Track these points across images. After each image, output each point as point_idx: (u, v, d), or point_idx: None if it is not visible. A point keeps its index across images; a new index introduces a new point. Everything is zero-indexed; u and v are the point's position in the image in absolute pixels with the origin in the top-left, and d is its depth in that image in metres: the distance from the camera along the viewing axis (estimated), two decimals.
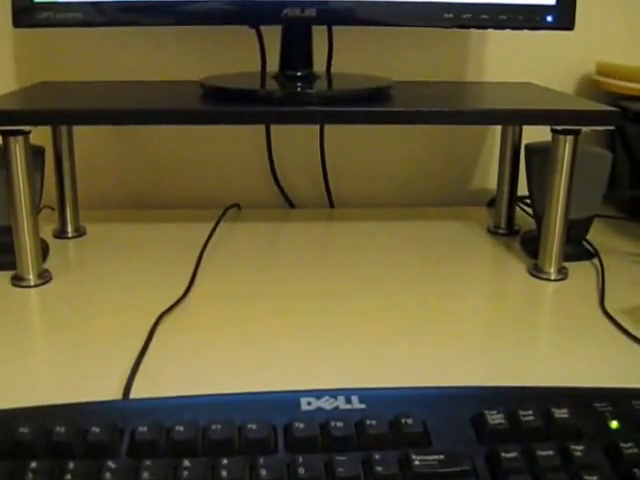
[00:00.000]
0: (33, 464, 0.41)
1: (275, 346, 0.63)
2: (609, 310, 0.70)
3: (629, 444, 0.44)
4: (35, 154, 0.78)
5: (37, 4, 0.76)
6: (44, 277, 0.76)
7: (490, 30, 0.84)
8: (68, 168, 0.90)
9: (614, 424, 0.46)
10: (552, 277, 0.78)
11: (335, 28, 0.97)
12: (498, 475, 0.42)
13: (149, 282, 0.76)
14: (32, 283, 0.75)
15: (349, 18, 0.81)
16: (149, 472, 0.40)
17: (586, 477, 0.41)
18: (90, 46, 0.98)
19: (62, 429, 0.43)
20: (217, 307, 0.71)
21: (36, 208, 0.77)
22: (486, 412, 0.46)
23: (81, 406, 0.47)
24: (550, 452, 0.43)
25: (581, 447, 0.43)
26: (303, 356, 0.62)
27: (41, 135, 0.86)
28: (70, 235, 0.90)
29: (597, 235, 0.88)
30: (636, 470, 0.42)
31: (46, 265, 0.79)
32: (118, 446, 0.43)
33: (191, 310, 0.70)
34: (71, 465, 0.41)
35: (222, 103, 0.76)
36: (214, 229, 0.91)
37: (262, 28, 0.95)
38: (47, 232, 0.90)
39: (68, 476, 0.40)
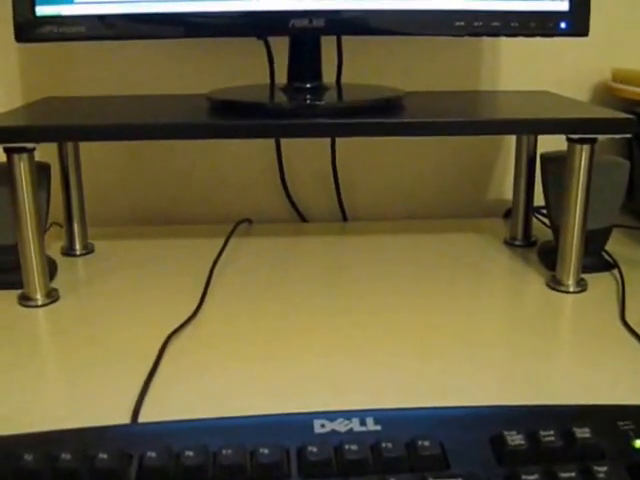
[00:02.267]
0: None
1: (287, 365, 0.62)
2: (630, 323, 0.70)
3: None
4: (40, 171, 0.77)
5: (40, 18, 0.76)
6: (52, 296, 0.76)
7: (503, 38, 0.84)
8: (75, 184, 0.90)
9: (638, 443, 0.45)
10: (571, 289, 0.77)
11: (344, 38, 0.96)
12: None
13: (159, 300, 0.76)
14: (39, 303, 0.75)
15: (358, 28, 0.80)
16: None
17: None
18: (95, 60, 0.99)
19: (68, 456, 0.42)
20: (228, 326, 0.70)
21: (42, 226, 0.77)
22: (505, 433, 0.45)
23: (88, 431, 0.46)
24: (572, 474, 0.42)
25: (604, 468, 0.42)
26: (316, 375, 0.61)
27: (47, 150, 0.87)
28: (78, 252, 0.90)
29: (616, 245, 0.87)
30: None
31: (54, 284, 0.79)
32: (127, 473, 0.42)
33: (201, 329, 0.70)
34: None
35: (230, 117, 0.75)
36: (224, 245, 0.90)
37: (270, 39, 0.95)
38: (55, 249, 0.90)
39: None
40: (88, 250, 0.91)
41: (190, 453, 0.43)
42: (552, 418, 0.47)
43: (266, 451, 0.43)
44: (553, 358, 0.64)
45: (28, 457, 0.42)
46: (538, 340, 0.67)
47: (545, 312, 0.73)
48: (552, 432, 0.45)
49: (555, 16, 0.80)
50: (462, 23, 0.79)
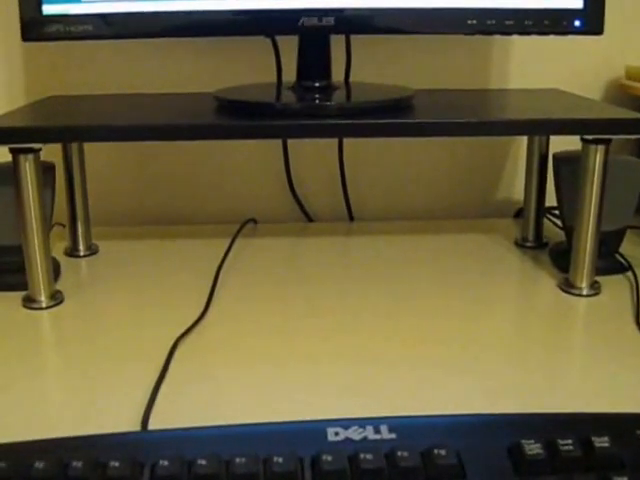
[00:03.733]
0: None
1: (298, 370, 0.62)
2: None
3: None
4: (45, 171, 0.77)
5: (46, 17, 0.76)
6: (56, 298, 0.76)
7: (514, 35, 0.83)
8: (79, 184, 0.90)
9: None
10: (584, 292, 0.77)
11: (354, 37, 0.96)
12: None
13: (164, 302, 0.76)
14: (44, 305, 0.75)
15: (368, 27, 0.80)
16: None
17: None
18: (100, 58, 0.98)
19: (79, 464, 0.42)
20: (236, 329, 0.70)
21: (47, 227, 0.77)
22: (523, 442, 0.45)
23: (99, 438, 0.46)
24: None
25: (624, 478, 0.42)
26: (327, 380, 0.61)
27: (51, 150, 0.86)
28: (82, 253, 0.90)
29: (630, 247, 0.87)
30: None
31: (58, 285, 0.79)
32: None
33: (209, 332, 0.69)
34: None
35: (237, 117, 0.75)
36: (230, 246, 0.90)
37: (278, 37, 0.95)
38: (59, 250, 0.90)
39: None
40: (92, 251, 0.91)
41: (203, 462, 0.42)
42: (570, 427, 0.47)
43: (280, 460, 0.43)
44: (567, 363, 0.64)
45: (39, 465, 0.42)
46: (551, 344, 0.67)
47: (558, 316, 0.73)
48: (570, 441, 0.44)
49: (569, 14, 0.79)
50: (474, 21, 0.79)
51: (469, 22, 0.79)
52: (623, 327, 0.70)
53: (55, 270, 0.81)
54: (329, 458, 0.43)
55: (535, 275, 0.83)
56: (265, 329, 0.70)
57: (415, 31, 0.81)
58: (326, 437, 0.46)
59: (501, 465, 0.44)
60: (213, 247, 0.90)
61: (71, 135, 0.75)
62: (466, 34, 0.81)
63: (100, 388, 0.60)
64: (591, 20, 0.80)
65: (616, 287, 0.79)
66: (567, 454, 0.44)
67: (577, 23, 0.80)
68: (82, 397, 0.58)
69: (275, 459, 0.43)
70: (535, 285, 0.81)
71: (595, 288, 0.78)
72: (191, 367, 0.63)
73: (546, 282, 0.81)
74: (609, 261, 0.83)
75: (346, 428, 0.46)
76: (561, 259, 0.83)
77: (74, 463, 0.42)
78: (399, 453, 0.43)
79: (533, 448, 0.44)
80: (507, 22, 0.79)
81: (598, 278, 0.79)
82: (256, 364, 0.63)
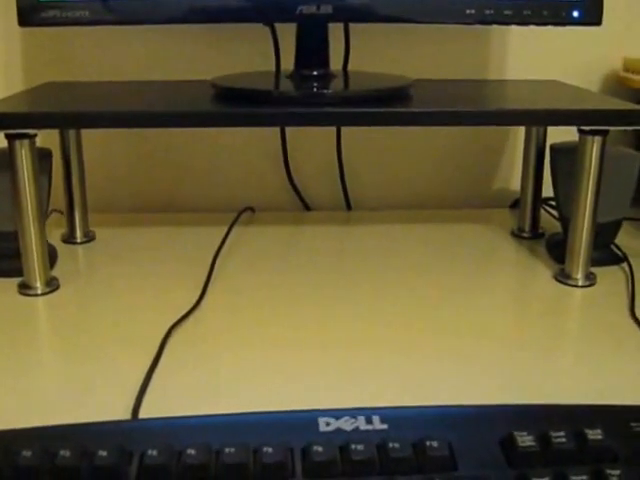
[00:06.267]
0: None
1: (291, 360, 0.62)
2: None
3: None
4: (42, 157, 0.77)
5: (43, 2, 0.75)
6: (52, 285, 0.75)
7: (512, 26, 0.84)
8: (77, 171, 0.89)
9: None
10: (580, 283, 0.77)
11: (352, 25, 0.95)
12: None
13: (161, 290, 0.75)
14: (39, 292, 0.74)
15: (367, 15, 0.79)
16: None
17: None
18: (98, 44, 0.98)
19: (67, 452, 0.41)
20: (230, 317, 0.69)
21: (43, 213, 0.76)
22: (516, 433, 0.44)
23: (87, 427, 0.45)
24: (584, 477, 0.41)
25: (617, 471, 0.41)
26: (321, 370, 0.60)
27: (48, 137, 0.86)
28: (79, 240, 0.89)
29: (626, 239, 0.86)
30: None
31: (54, 272, 0.78)
32: (127, 471, 0.41)
33: (203, 321, 0.69)
34: None
35: (235, 104, 0.74)
36: (227, 234, 0.90)
37: (277, 25, 0.94)
38: (56, 237, 0.89)
39: None
40: (89, 238, 0.90)
41: (192, 451, 0.42)
42: (563, 418, 0.46)
43: (270, 450, 0.42)
44: (561, 354, 0.63)
45: (26, 453, 0.41)
46: (546, 335, 0.66)
47: (553, 306, 0.72)
48: (563, 433, 0.44)
49: (568, 4, 0.78)
50: (473, 11, 0.78)
51: (468, 12, 0.78)
52: (618, 318, 0.70)
53: (52, 257, 0.80)
54: (320, 449, 0.42)
55: (531, 266, 0.82)
56: (259, 318, 0.69)
57: (413, 20, 0.80)
58: (317, 427, 0.45)
59: (493, 457, 0.43)
60: (210, 235, 0.89)
61: (67, 121, 0.74)
62: (465, 24, 0.81)
63: (92, 376, 0.59)
64: (589, 11, 0.79)
65: (611, 278, 0.78)
66: (560, 446, 0.43)
67: (575, 14, 0.79)
68: (74, 385, 0.57)
69: (265, 449, 0.42)
70: (531, 276, 0.80)
71: (590, 279, 0.77)
72: (184, 356, 0.62)
73: (542, 273, 0.80)
74: (604, 252, 0.82)
75: (338, 418, 0.46)
76: (557, 250, 0.83)
77: (62, 452, 0.41)
78: (390, 444, 0.43)
79: (525, 440, 0.43)
80: (506, 12, 0.78)
81: (593, 269, 0.78)
82: (249, 353, 0.62)
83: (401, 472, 0.41)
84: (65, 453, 0.41)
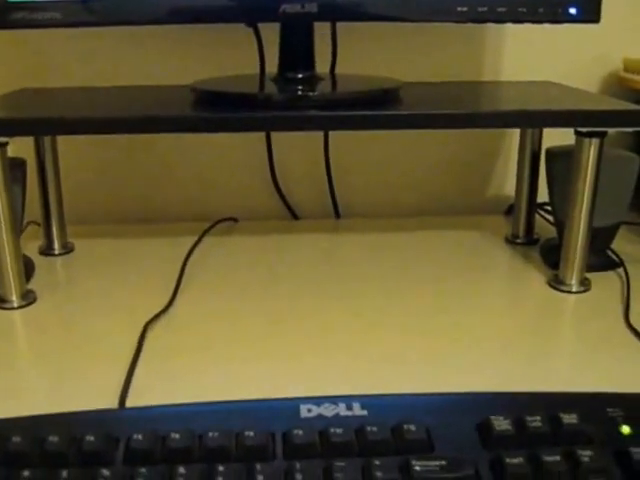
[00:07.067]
0: (26, 473, 0.46)
1: (274, 361, 0.67)
2: (634, 324, 0.73)
3: None
4: (15, 166, 0.81)
5: (11, 3, 0.77)
6: (28, 298, 0.80)
7: (508, 24, 0.86)
8: (53, 181, 0.93)
9: (626, 429, 0.51)
10: (573, 289, 0.81)
11: (339, 25, 0.98)
12: None
13: (140, 301, 0.80)
14: (15, 305, 0.79)
15: (354, 14, 0.81)
16: (144, 479, 0.45)
17: None
18: (73, 48, 1.01)
19: (56, 438, 0.48)
20: (209, 327, 0.75)
21: (17, 225, 0.80)
22: (492, 418, 0.50)
23: (75, 415, 0.52)
24: (556, 457, 0.47)
25: (589, 452, 0.48)
26: (304, 371, 0.66)
27: (22, 146, 0.90)
28: (57, 252, 0.94)
29: (623, 243, 0.91)
30: None
31: (31, 284, 0.83)
32: (113, 454, 0.48)
33: (179, 329, 0.74)
34: (65, 473, 0.46)
35: (216, 109, 0.77)
36: (197, 242, 0.95)
37: (261, 26, 0.97)
38: (33, 249, 0.94)
39: None
40: (67, 249, 0.95)
41: (176, 436, 0.48)
42: (541, 405, 0.52)
43: (252, 434, 0.48)
44: (553, 360, 0.68)
45: (16, 439, 0.48)
46: (538, 341, 0.71)
47: (546, 313, 0.77)
48: (539, 418, 0.50)
49: (565, 1, 0.81)
50: (465, 8, 0.80)
51: (459, 9, 0.80)
52: (611, 324, 0.74)
53: (29, 269, 0.85)
54: (300, 432, 0.49)
55: (524, 271, 0.87)
56: (238, 326, 0.74)
57: (403, 19, 0.82)
58: (299, 413, 0.51)
59: (470, 440, 0.50)
60: (189, 245, 0.94)
61: (41, 128, 0.78)
62: (457, 22, 0.83)
63: (75, 379, 0.64)
64: (587, 8, 0.82)
65: (606, 284, 0.83)
66: (535, 430, 0.49)
67: (573, 11, 0.81)
68: (58, 389, 0.63)
69: (247, 433, 0.48)
70: (524, 282, 0.85)
71: (585, 285, 0.82)
72: (164, 355, 0.68)
73: (535, 279, 0.85)
74: (600, 257, 0.87)
75: (319, 405, 0.52)
76: (551, 255, 0.87)
77: (51, 438, 0.48)
78: (369, 428, 0.49)
79: (502, 424, 0.50)
80: (499, 9, 0.80)
81: (589, 275, 0.83)
82: (231, 349, 0.69)
83: (379, 454, 0.48)
84: (54, 439, 0.48)
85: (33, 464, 0.47)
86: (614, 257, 0.88)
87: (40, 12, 0.77)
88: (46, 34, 1.00)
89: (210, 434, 0.48)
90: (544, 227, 0.99)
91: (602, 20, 0.83)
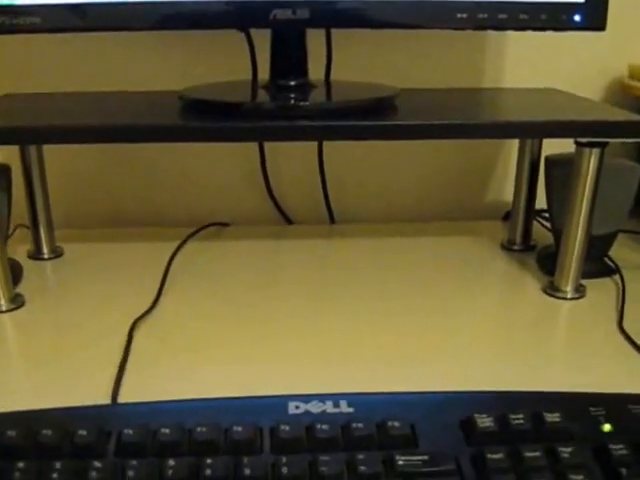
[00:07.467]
0: (20, 464, 0.50)
1: (263, 364, 0.71)
2: (627, 330, 0.77)
3: (619, 446, 0.52)
4: None
5: None
6: (16, 302, 0.83)
7: (509, 31, 0.87)
8: (39, 186, 0.96)
9: (607, 427, 0.55)
10: (568, 296, 0.85)
11: (335, 32, 1.00)
12: (483, 475, 0.50)
13: (129, 305, 0.83)
14: (3, 309, 0.82)
15: (347, 20, 0.82)
16: (135, 471, 0.50)
17: (572, 476, 0.50)
18: (58, 54, 1.04)
19: (49, 432, 0.52)
20: (196, 321, 0.79)
21: (3, 230, 0.84)
22: (476, 415, 0.54)
23: (68, 410, 0.56)
24: (537, 453, 0.51)
25: (569, 449, 0.52)
26: (293, 373, 0.69)
27: (9, 150, 0.94)
28: (46, 256, 0.98)
29: (620, 251, 0.94)
30: (623, 469, 0.50)
31: (20, 288, 0.87)
32: (105, 448, 0.52)
33: (168, 323, 0.79)
34: (58, 465, 0.50)
35: (205, 118, 0.78)
36: (180, 245, 0.99)
37: (253, 32, 0.99)
38: (22, 253, 0.98)
39: (55, 475, 0.49)
40: (57, 254, 0.98)
41: (166, 430, 0.52)
42: (526, 404, 0.56)
43: (240, 429, 0.53)
44: (546, 366, 0.71)
45: (11, 433, 0.52)
46: (531, 348, 0.74)
47: (540, 319, 0.80)
48: (522, 416, 0.54)
49: (569, 8, 0.82)
50: (465, 15, 0.81)
51: (459, 16, 0.81)
52: (605, 331, 0.77)
53: (17, 273, 0.89)
54: (287, 427, 0.53)
55: (520, 278, 0.91)
56: (229, 330, 0.78)
57: (400, 25, 0.83)
58: (287, 410, 0.56)
59: (453, 437, 0.54)
60: (182, 250, 0.98)
61: (26, 137, 0.79)
62: (456, 29, 0.83)
63: (65, 376, 0.68)
64: (592, 15, 0.82)
65: (601, 290, 0.86)
66: (517, 427, 0.54)
67: (577, 18, 0.82)
68: (49, 386, 0.67)
69: (235, 428, 0.52)
70: (519, 288, 0.88)
71: (580, 291, 0.85)
72: (155, 353, 0.72)
73: (531, 285, 0.88)
74: (596, 264, 0.90)
75: (306, 402, 0.56)
76: (548, 263, 0.91)
77: (44, 431, 0.52)
78: (354, 424, 0.53)
79: (485, 421, 0.54)
80: (500, 16, 0.81)
81: (584, 281, 0.86)
82: (221, 349, 0.72)
83: (363, 449, 0.52)
84: (47, 432, 0.52)
85: (27, 456, 0.51)
86: (610, 264, 0.91)
87: (21, 17, 0.78)
88: (31, 38, 1.01)
89: (199, 429, 0.52)
90: (541, 234, 1.02)
91: (607, 26, 0.84)
